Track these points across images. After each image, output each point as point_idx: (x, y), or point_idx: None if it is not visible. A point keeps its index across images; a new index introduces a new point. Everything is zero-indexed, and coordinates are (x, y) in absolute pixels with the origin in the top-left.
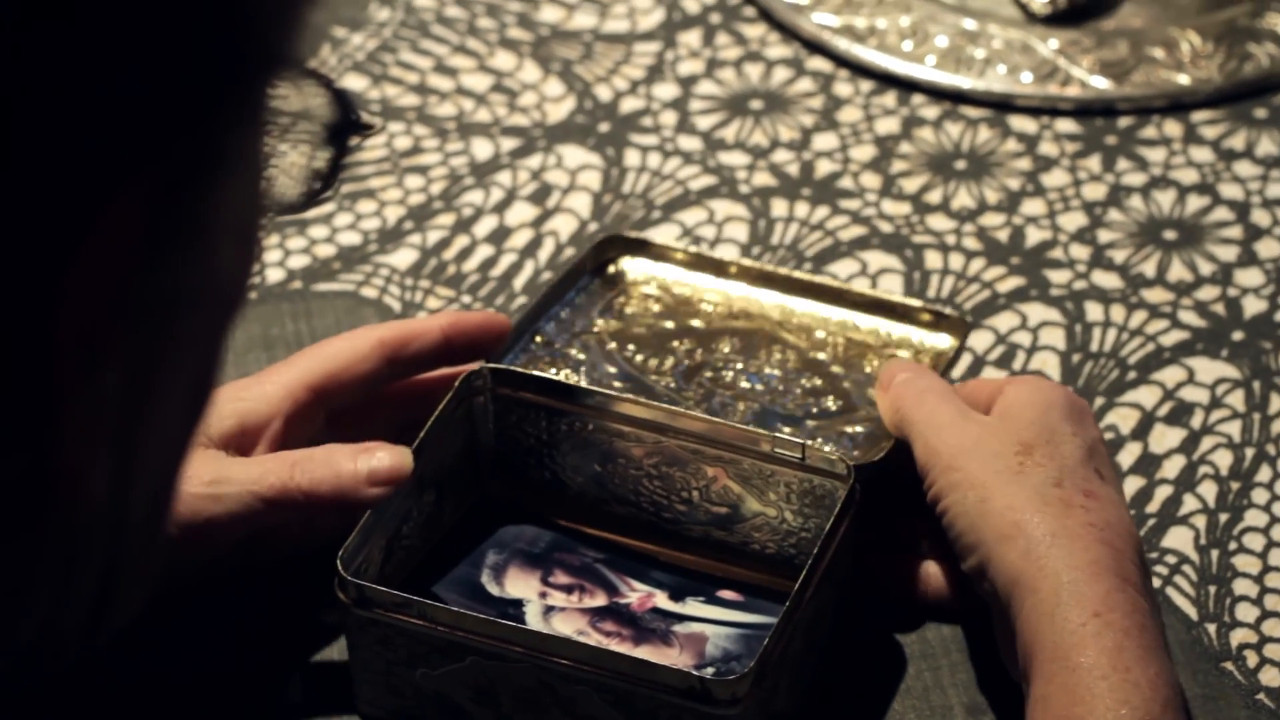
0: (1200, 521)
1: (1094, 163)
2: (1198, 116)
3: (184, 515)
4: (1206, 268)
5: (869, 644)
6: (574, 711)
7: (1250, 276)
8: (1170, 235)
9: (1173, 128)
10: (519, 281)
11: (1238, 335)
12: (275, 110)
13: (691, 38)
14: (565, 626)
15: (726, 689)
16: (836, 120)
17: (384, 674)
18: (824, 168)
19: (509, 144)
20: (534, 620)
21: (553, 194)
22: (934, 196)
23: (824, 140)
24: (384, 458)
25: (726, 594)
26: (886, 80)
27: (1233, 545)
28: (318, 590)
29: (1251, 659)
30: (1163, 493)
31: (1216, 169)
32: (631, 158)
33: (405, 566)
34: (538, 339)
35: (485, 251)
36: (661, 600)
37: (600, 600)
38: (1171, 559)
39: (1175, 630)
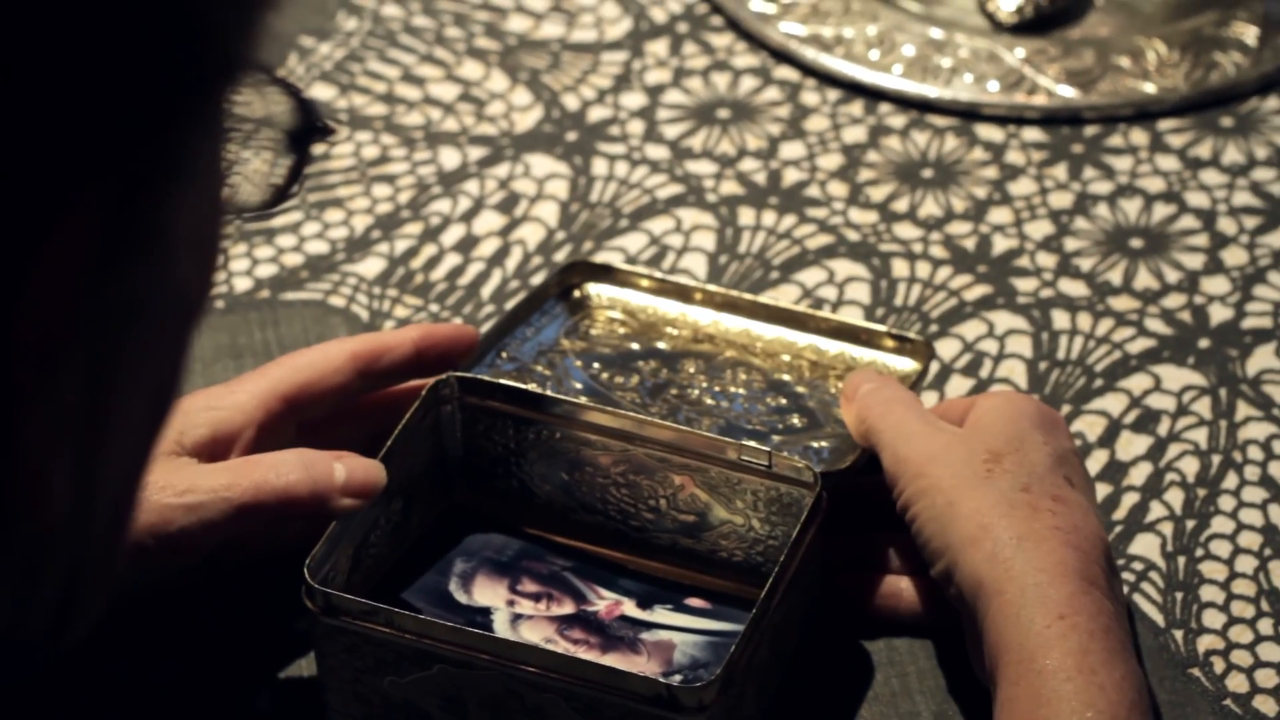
0: (1167, 528)
1: (1060, 171)
2: (1164, 125)
3: (157, 525)
4: (1173, 275)
5: (836, 651)
6: (542, 719)
7: (1216, 284)
8: (1137, 243)
9: (1139, 136)
10: (486, 290)
11: (1204, 343)
12: (237, 117)
13: (659, 47)
14: (533, 634)
15: (693, 696)
16: (804, 129)
17: (352, 682)
18: (791, 176)
19: (476, 153)
20: (502, 628)
21: (520, 203)
22: (901, 205)
23: (791, 149)
24: (357, 469)
25: (694, 602)
26: (853, 89)
27: (1199, 552)
28: (285, 599)
29: (1218, 665)
30: (1130, 500)
31: (1183, 177)
32: (599, 166)
33: (373, 575)
34: (503, 355)
35: (453, 260)
36: (629, 608)
37: (568, 608)
38: (1138, 565)
39: (1142, 637)
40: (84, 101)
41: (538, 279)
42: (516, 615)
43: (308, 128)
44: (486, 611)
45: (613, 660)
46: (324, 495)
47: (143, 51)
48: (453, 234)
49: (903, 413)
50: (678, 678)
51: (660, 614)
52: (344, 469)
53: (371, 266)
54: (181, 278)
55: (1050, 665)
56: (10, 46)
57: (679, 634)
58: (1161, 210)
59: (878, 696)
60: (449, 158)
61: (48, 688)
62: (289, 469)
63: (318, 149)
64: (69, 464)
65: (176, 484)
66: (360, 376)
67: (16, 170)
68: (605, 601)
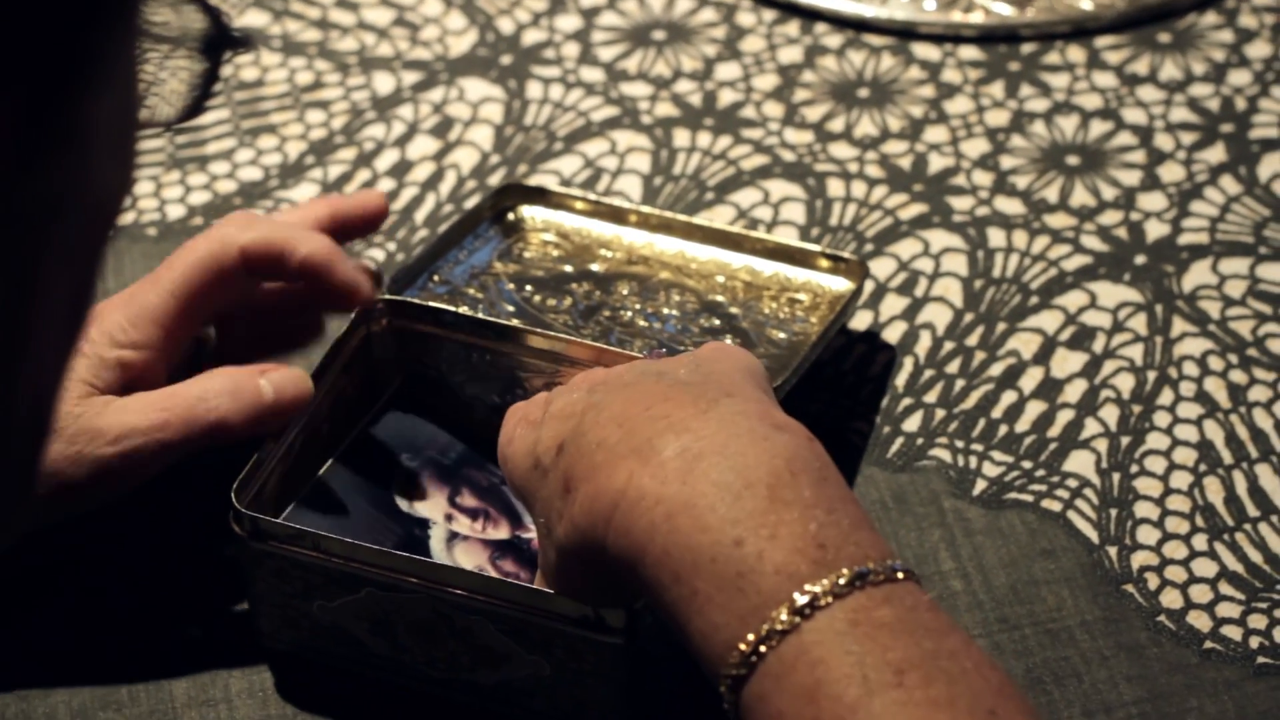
0: (1102, 445)
1: (997, 89)
2: (1101, 42)
3: (93, 472)
4: (1109, 192)
5: None
6: (470, 641)
7: (1153, 200)
8: (1073, 160)
9: (1076, 53)
10: (420, 214)
11: (1140, 259)
12: (152, 32)
13: None
14: (466, 559)
15: (620, 617)
16: (739, 50)
17: (281, 607)
18: (726, 97)
19: (410, 78)
20: (438, 547)
21: (454, 127)
22: (836, 125)
23: (727, 70)
24: (285, 385)
25: None
26: (789, 9)
27: (1134, 469)
28: (213, 524)
29: (1152, 581)
30: (1064, 417)
31: (1120, 94)
32: (534, 90)
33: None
34: (435, 278)
35: (387, 185)
36: None
37: (503, 532)
38: (1073, 483)
39: (1076, 553)
40: None
41: (472, 203)
42: (453, 534)
43: (220, 38)
44: (425, 525)
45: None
46: (256, 418)
47: None
48: (387, 159)
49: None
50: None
51: None
52: (271, 386)
53: (305, 192)
54: (97, 181)
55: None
56: None
57: None
58: (1098, 127)
59: None
60: (383, 83)
61: None
62: (217, 398)
63: (238, 62)
64: None
65: (107, 430)
66: (262, 277)
67: None
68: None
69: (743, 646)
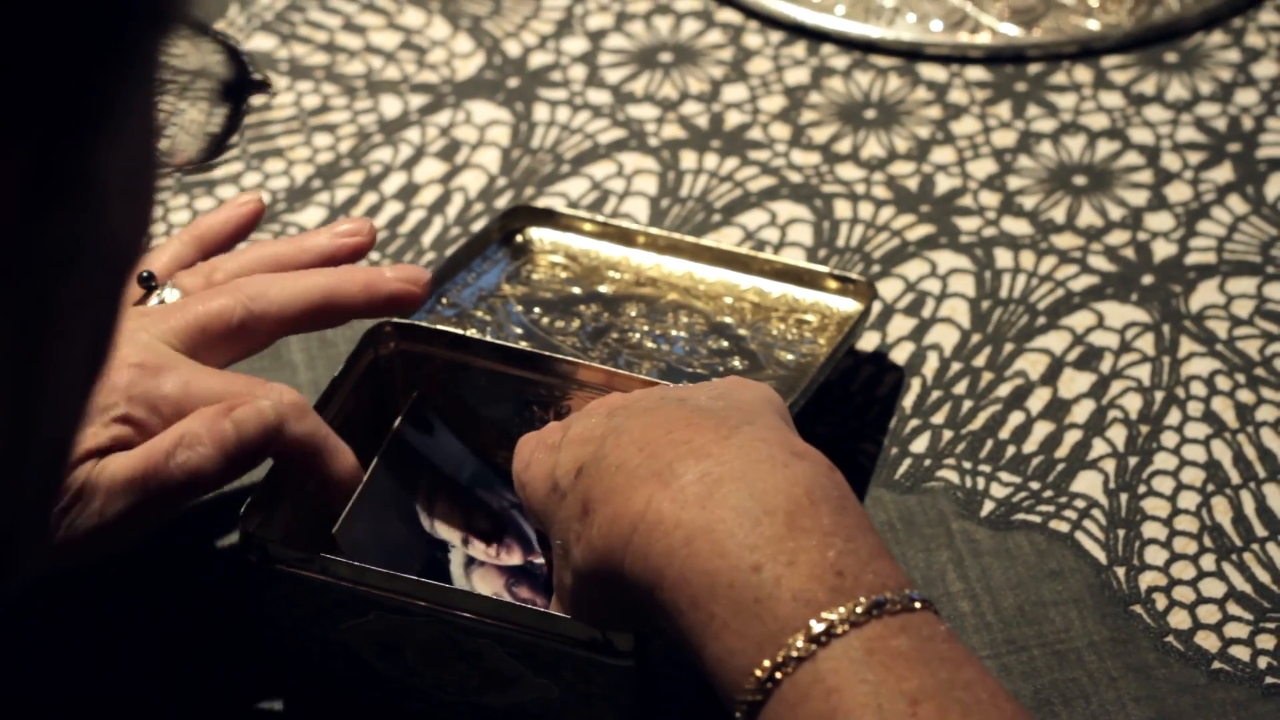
0: (1109, 465)
1: (1004, 109)
2: (1108, 62)
3: (86, 538)
4: (1116, 212)
5: None
6: (479, 664)
7: (1160, 220)
8: (1080, 181)
9: (1083, 73)
10: (428, 238)
11: (1147, 279)
12: (171, 68)
13: None
14: (484, 585)
15: (629, 640)
16: (746, 71)
17: (291, 630)
18: (734, 119)
19: (418, 101)
20: (457, 572)
21: (462, 150)
22: (843, 146)
23: (734, 92)
24: (247, 420)
25: None
26: (796, 31)
27: (1142, 489)
28: (224, 548)
29: (1160, 602)
30: (1072, 437)
31: (1126, 114)
32: (540, 112)
33: (314, 521)
34: (443, 301)
35: (394, 208)
36: None
37: (516, 558)
38: (1080, 503)
39: (1084, 574)
40: (10, 50)
41: (479, 226)
42: (470, 559)
43: (243, 80)
44: (445, 548)
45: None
46: (229, 463)
47: (65, 1)
48: (394, 182)
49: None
50: None
51: None
52: (234, 429)
53: (313, 216)
54: (114, 227)
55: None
56: None
57: None
58: (1105, 147)
59: None
60: (390, 106)
61: None
62: (186, 454)
63: (255, 101)
64: (3, 415)
65: (94, 498)
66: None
67: None
68: (549, 556)
69: (758, 673)
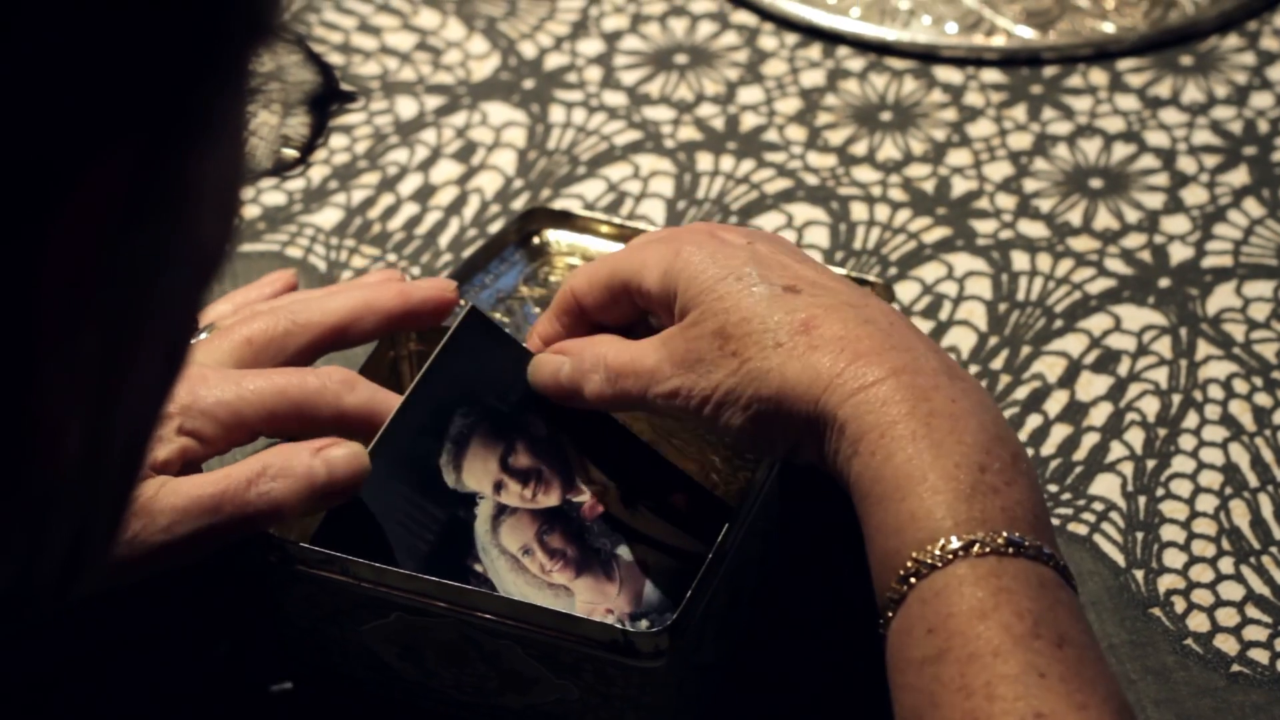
0: (1127, 468)
1: (1019, 112)
2: (1123, 65)
3: (147, 556)
4: (1133, 215)
5: (796, 593)
6: (499, 665)
7: (1176, 224)
8: (1096, 184)
9: (1098, 76)
10: (444, 239)
11: (1164, 282)
12: (259, 78)
13: None
14: (512, 539)
15: (649, 642)
16: (762, 74)
17: (310, 631)
18: (749, 121)
19: (433, 102)
20: (482, 529)
21: (478, 151)
22: (859, 148)
23: (749, 94)
24: (339, 461)
25: (679, 500)
26: (811, 33)
27: (1160, 491)
28: (244, 549)
29: (1179, 605)
30: (1090, 440)
31: (1142, 117)
32: (556, 114)
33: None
34: (461, 302)
35: (410, 210)
36: (613, 501)
37: (553, 498)
38: (1099, 506)
39: (1103, 577)
40: (110, 60)
41: (495, 227)
42: (500, 509)
43: (330, 91)
44: (471, 502)
45: (585, 586)
46: (310, 499)
47: (169, 10)
48: (410, 183)
49: (622, 363)
50: (645, 623)
51: (642, 516)
52: (324, 466)
53: (329, 217)
54: (203, 235)
55: (885, 493)
56: (39, 5)
57: (654, 552)
58: (1121, 150)
59: (838, 639)
60: (406, 107)
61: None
62: (269, 482)
63: (335, 111)
64: (84, 418)
65: (159, 516)
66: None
67: (42, 128)
68: (591, 489)
69: (951, 541)
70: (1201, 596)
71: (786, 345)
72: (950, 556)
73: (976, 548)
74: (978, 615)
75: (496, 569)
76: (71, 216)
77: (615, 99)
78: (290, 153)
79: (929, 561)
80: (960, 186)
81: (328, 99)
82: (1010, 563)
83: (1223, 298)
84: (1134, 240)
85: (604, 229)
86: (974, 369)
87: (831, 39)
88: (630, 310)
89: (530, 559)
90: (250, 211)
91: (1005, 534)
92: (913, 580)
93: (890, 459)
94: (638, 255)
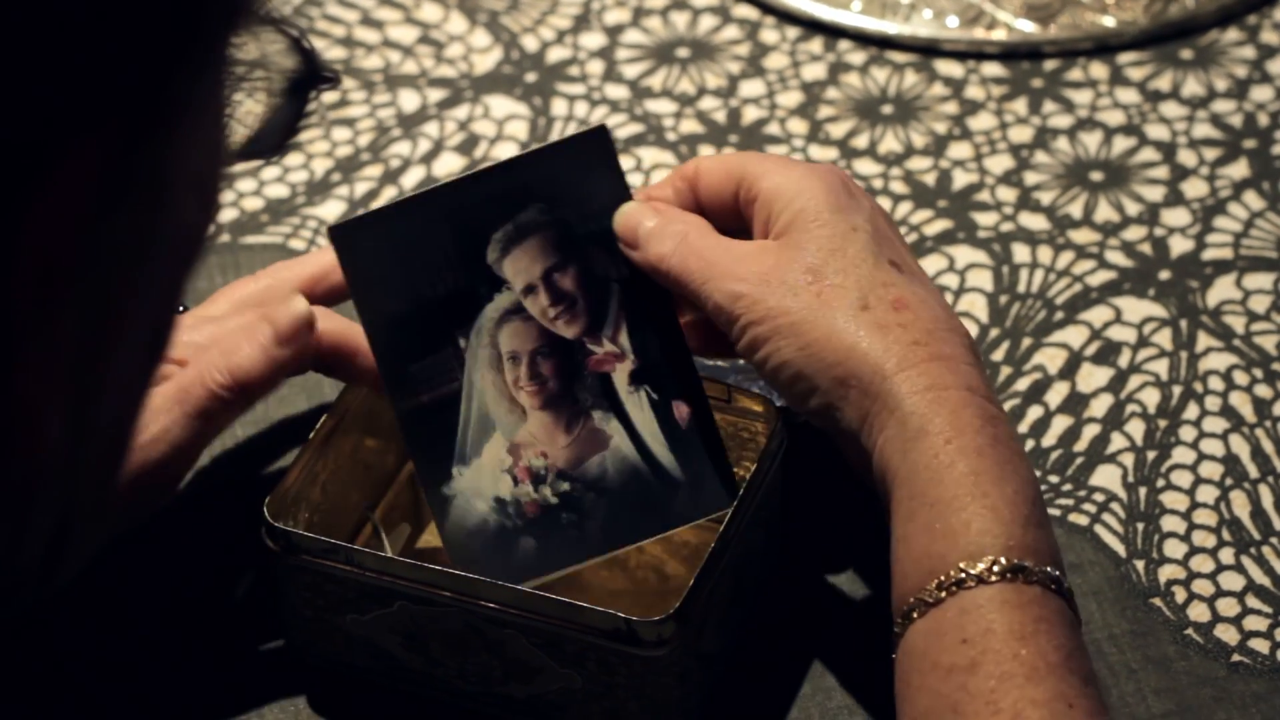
0: (1128, 459)
1: (1020, 105)
2: (1124, 58)
3: (132, 468)
4: (1133, 208)
5: (799, 584)
6: (502, 654)
7: (1177, 216)
8: (1097, 176)
9: (1099, 70)
10: None
11: (1164, 274)
12: (238, 62)
13: None
14: (510, 339)
15: (653, 630)
16: (763, 67)
17: (314, 621)
18: (751, 114)
19: (436, 95)
20: (490, 313)
21: (480, 144)
22: (861, 141)
23: (751, 87)
24: (281, 313)
25: (681, 412)
26: (813, 26)
27: (1160, 482)
28: (247, 539)
29: (1180, 595)
30: (1090, 431)
31: (1143, 110)
32: (558, 107)
33: (339, 508)
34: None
35: None
36: (621, 373)
37: (571, 332)
38: (1100, 497)
39: (1104, 567)
40: (85, 46)
41: None
42: (518, 309)
43: (311, 74)
44: (496, 286)
45: (538, 422)
46: (269, 359)
47: None
48: (413, 176)
49: (700, 249)
50: (658, 617)
51: (637, 403)
52: (268, 324)
53: (332, 209)
54: (181, 221)
55: (943, 497)
56: None
57: (626, 438)
58: (1121, 143)
59: (841, 629)
60: (408, 100)
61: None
62: (224, 357)
63: (317, 95)
64: (65, 404)
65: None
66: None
67: (17, 114)
68: (611, 349)
69: (1001, 561)
70: (1202, 587)
71: (873, 312)
72: (997, 576)
73: (1023, 575)
74: (1017, 637)
75: (475, 356)
76: (48, 203)
77: (617, 92)
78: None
79: (976, 574)
80: (961, 179)
81: (309, 84)
82: (1050, 597)
83: (1223, 290)
84: (1134, 233)
85: None
86: None
87: (833, 32)
88: (731, 214)
89: (511, 366)
90: (253, 203)
91: (1049, 569)
92: (954, 588)
93: (953, 466)
94: (769, 159)
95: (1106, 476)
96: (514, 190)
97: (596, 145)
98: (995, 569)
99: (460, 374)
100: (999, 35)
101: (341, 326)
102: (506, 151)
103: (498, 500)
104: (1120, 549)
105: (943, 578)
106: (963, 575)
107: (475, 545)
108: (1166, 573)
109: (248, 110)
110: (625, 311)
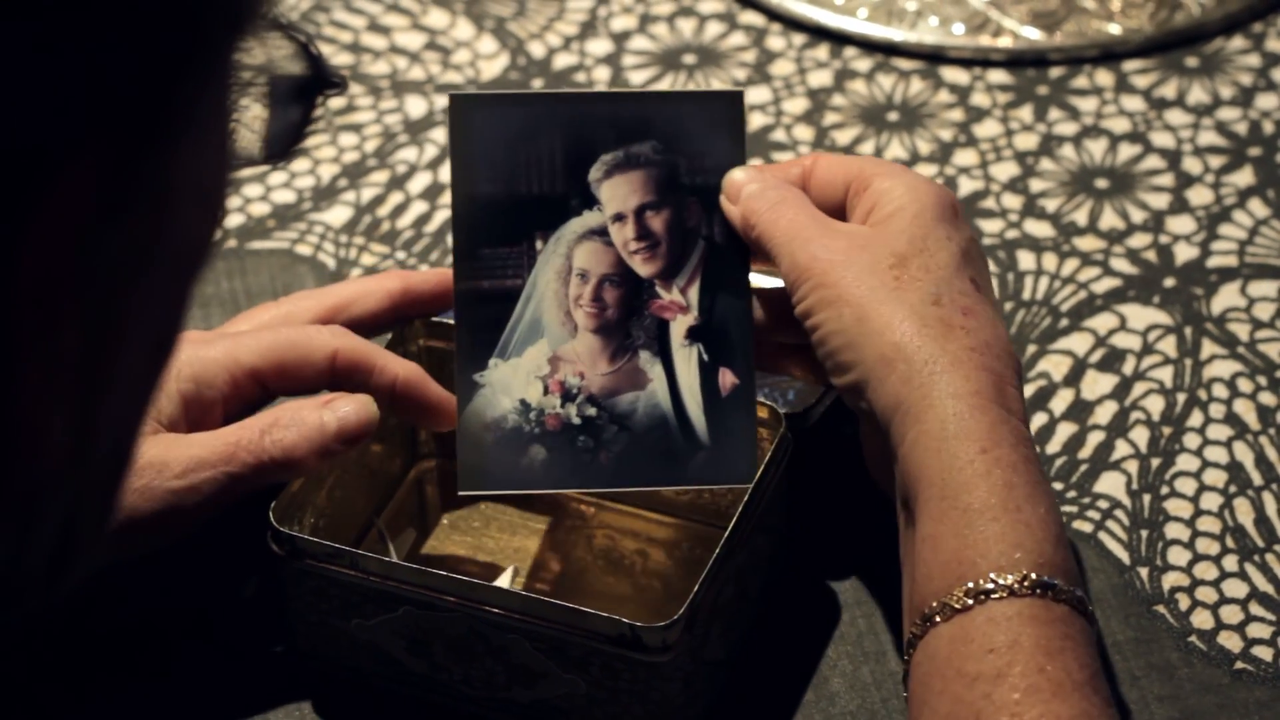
0: (1132, 466)
1: (1026, 113)
2: (1129, 66)
3: (161, 508)
4: (1138, 215)
5: (804, 591)
6: (507, 660)
7: (1181, 224)
8: (1102, 184)
9: (1104, 77)
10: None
11: (1169, 282)
12: (244, 67)
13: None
14: (584, 257)
15: (657, 636)
16: (769, 73)
17: (319, 625)
18: (757, 121)
19: (442, 101)
20: (573, 227)
21: None
22: (867, 148)
23: (757, 94)
24: (349, 411)
25: (727, 379)
26: (819, 33)
27: (1164, 490)
28: (254, 543)
29: (1183, 602)
30: (1095, 438)
31: (1148, 118)
32: None
33: (345, 513)
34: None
35: (419, 208)
36: (680, 325)
37: (647, 270)
38: (1104, 504)
39: (1107, 574)
40: (88, 56)
41: None
42: (601, 231)
43: (317, 78)
44: (589, 204)
45: (586, 344)
46: (322, 448)
47: (148, 7)
48: (419, 181)
49: (794, 215)
50: (663, 623)
51: (687, 360)
52: (334, 416)
53: (338, 215)
54: (185, 230)
55: (975, 504)
56: (15, 3)
57: (663, 386)
58: (1127, 150)
59: (844, 635)
60: (415, 106)
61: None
62: (282, 430)
63: (323, 99)
64: (68, 414)
65: (174, 464)
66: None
67: (19, 124)
68: (679, 300)
69: (1032, 576)
70: (1205, 594)
71: (943, 309)
72: (1027, 590)
73: (1052, 593)
74: (1044, 653)
75: (546, 261)
76: (49, 215)
77: None
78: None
79: (1007, 585)
80: (967, 186)
81: (315, 88)
82: (1075, 617)
83: (1227, 297)
84: (1139, 240)
85: None
86: None
87: (839, 39)
88: (835, 210)
89: (578, 283)
90: (260, 209)
91: (1076, 590)
92: (982, 597)
93: (989, 475)
94: (890, 164)
95: (1110, 483)
96: (637, 121)
97: (729, 106)
98: (1026, 583)
99: (527, 273)
100: (1005, 42)
101: (359, 344)
102: None
103: (523, 403)
104: (1124, 556)
105: (971, 585)
106: (992, 585)
107: (487, 438)
108: (1170, 580)
109: (254, 116)
110: (703, 269)
